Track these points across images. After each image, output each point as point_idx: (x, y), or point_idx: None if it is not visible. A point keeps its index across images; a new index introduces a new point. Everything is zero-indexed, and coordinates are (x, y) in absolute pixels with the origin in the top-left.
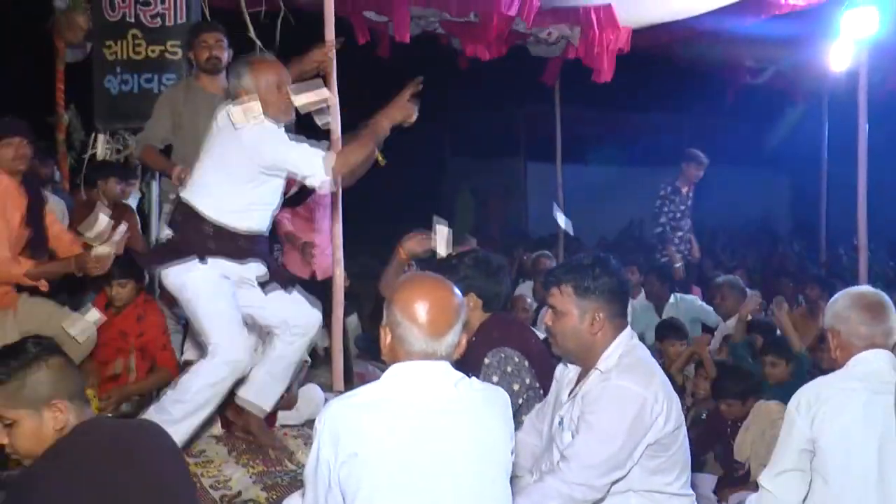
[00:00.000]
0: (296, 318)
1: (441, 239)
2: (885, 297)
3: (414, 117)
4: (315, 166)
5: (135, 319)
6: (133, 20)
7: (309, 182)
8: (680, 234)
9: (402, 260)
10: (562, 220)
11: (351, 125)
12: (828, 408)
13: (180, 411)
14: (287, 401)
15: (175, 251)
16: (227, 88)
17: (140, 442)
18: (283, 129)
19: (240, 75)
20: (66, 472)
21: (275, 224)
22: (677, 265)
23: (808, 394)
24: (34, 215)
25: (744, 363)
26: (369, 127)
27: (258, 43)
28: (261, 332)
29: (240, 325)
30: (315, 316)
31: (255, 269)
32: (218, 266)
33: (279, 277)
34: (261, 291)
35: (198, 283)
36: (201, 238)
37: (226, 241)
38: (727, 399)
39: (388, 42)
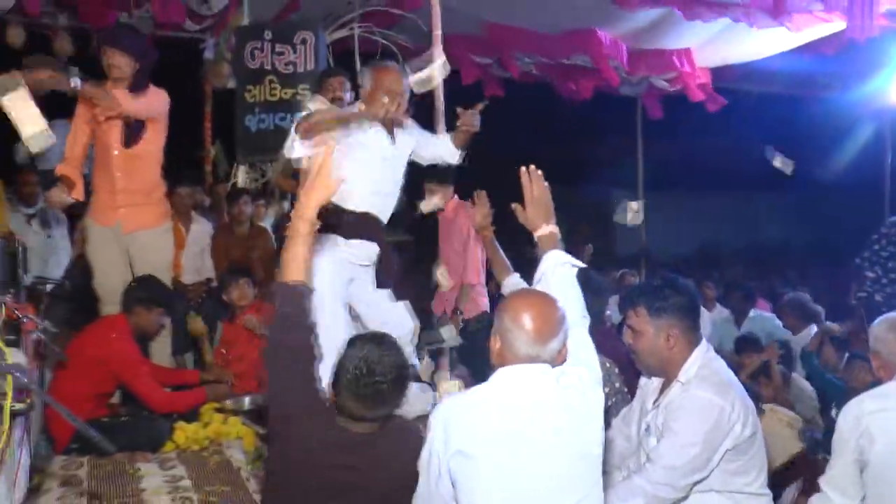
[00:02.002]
0: (394, 323)
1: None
2: None
3: (476, 127)
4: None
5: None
6: (270, 68)
7: None
8: (893, 275)
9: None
10: (779, 160)
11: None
12: (874, 421)
13: None
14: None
15: None
16: None
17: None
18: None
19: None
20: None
21: None
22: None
23: (854, 409)
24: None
25: (815, 371)
26: None
27: None
28: None
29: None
30: (409, 325)
31: (367, 249)
32: (332, 251)
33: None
34: (372, 285)
35: (319, 271)
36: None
37: (331, 217)
38: None
39: (494, 82)
